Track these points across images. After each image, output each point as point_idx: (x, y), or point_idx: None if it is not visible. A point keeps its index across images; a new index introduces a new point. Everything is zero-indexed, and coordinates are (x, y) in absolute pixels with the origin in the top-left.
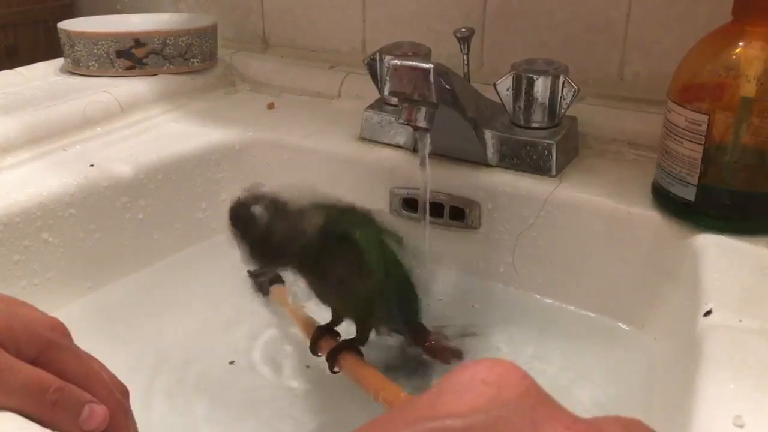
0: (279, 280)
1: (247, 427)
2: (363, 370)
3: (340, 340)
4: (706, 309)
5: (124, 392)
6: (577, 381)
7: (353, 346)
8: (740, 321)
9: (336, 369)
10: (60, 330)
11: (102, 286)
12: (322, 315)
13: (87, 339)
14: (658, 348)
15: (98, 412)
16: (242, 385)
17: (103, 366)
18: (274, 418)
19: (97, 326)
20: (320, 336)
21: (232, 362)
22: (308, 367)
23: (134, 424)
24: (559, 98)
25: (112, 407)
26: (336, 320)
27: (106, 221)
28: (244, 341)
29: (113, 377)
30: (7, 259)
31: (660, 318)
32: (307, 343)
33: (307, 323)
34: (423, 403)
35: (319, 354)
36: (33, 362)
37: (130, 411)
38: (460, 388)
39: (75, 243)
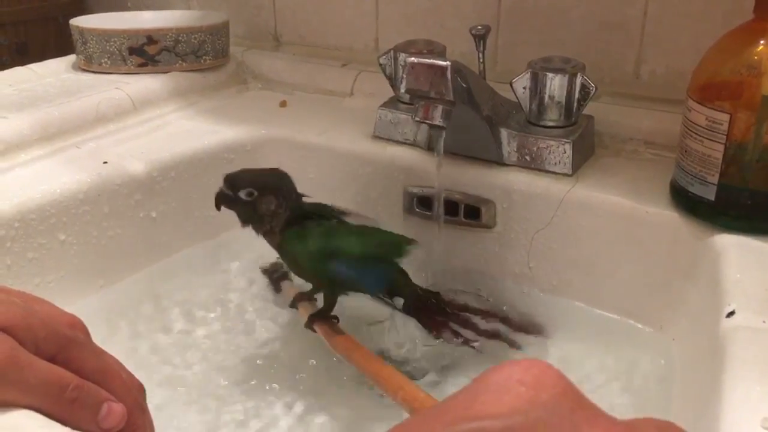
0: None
1: (259, 422)
2: (380, 368)
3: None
4: (729, 310)
5: (141, 390)
6: (594, 381)
7: (322, 316)
8: (764, 322)
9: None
10: (79, 327)
11: (114, 283)
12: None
13: (99, 335)
14: (677, 349)
15: (116, 410)
16: (255, 381)
17: (120, 364)
18: (285, 414)
19: (109, 323)
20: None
21: (242, 360)
22: (324, 364)
23: (150, 421)
24: (575, 97)
25: (129, 405)
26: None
27: (120, 218)
28: (257, 337)
29: (130, 375)
30: (21, 256)
31: (679, 319)
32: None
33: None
34: (459, 404)
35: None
36: (52, 360)
37: (147, 409)
38: (496, 388)
39: (89, 240)
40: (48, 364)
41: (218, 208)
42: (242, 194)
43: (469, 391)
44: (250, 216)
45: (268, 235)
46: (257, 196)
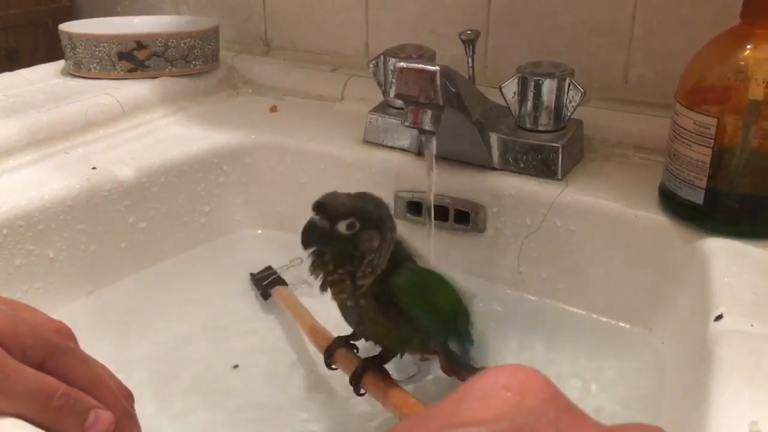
0: (281, 282)
1: (247, 426)
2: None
3: (360, 355)
4: (717, 313)
5: (129, 397)
6: (584, 384)
7: (378, 366)
8: (752, 326)
9: (362, 391)
10: (66, 334)
11: (103, 289)
12: (325, 315)
13: (88, 342)
14: (666, 352)
15: (104, 417)
16: (246, 389)
17: (108, 371)
18: (277, 423)
19: (97, 329)
20: (337, 348)
21: (236, 366)
22: (312, 371)
23: (139, 429)
24: (564, 101)
25: (117, 412)
26: (357, 337)
27: (108, 224)
28: (248, 344)
29: (118, 382)
30: (9, 263)
31: (668, 322)
32: (311, 343)
33: (310, 324)
34: (446, 410)
35: (333, 366)
36: (39, 367)
37: (135, 416)
38: (482, 394)
39: (77, 246)
40: (35, 371)
41: (309, 246)
42: (342, 227)
43: (456, 397)
44: (346, 256)
45: (357, 280)
46: (359, 229)
